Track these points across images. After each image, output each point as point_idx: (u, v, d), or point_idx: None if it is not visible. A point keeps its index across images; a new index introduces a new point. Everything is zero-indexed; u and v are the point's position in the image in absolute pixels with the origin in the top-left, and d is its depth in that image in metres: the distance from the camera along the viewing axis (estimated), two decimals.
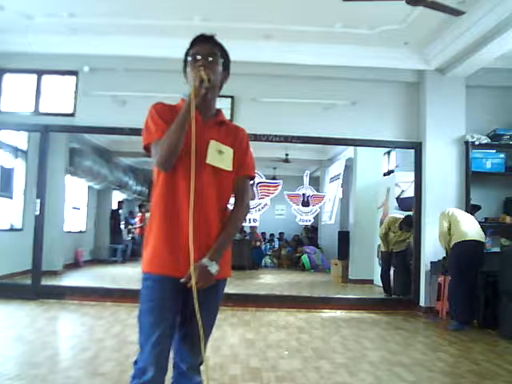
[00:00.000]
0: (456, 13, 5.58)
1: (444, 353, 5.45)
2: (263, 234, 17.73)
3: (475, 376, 4.55)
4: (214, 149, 2.35)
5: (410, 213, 9.10)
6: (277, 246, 17.73)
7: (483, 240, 6.86)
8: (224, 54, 2.45)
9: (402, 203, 10.11)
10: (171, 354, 2.36)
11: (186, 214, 2.24)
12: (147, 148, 2.36)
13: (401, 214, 9.55)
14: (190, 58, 2.38)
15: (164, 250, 2.28)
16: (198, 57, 2.35)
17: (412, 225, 8.70)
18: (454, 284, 6.77)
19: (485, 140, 7.84)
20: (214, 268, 2.25)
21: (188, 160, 2.25)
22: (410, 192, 9.50)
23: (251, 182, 2.58)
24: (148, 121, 2.35)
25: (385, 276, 9.58)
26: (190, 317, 2.32)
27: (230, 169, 2.39)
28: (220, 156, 2.36)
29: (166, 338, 2.27)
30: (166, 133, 2.25)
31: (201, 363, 2.41)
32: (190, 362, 2.37)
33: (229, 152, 2.40)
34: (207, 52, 2.36)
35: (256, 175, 2.89)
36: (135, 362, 2.29)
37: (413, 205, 8.37)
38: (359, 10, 6.21)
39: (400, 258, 9.25)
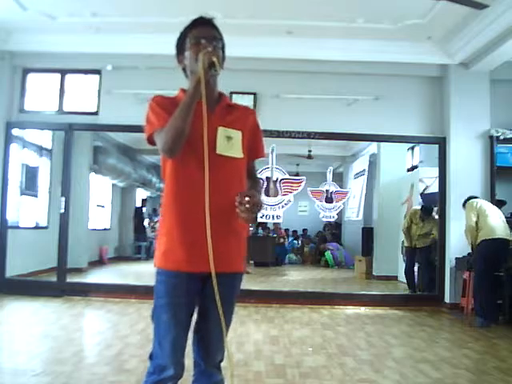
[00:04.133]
0: (479, 6, 5.51)
1: (469, 349, 5.39)
2: (286, 230, 17.66)
3: (501, 373, 4.50)
4: (222, 136, 2.25)
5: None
6: (298, 242, 17.66)
7: (510, 238, 6.78)
8: (222, 38, 2.36)
9: (426, 199, 10.03)
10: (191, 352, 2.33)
11: (204, 207, 2.13)
12: (150, 140, 2.27)
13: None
14: (192, 41, 2.27)
15: (178, 245, 2.20)
16: (203, 40, 2.24)
17: (431, 212, 8.71)
18: (479, 281, 6.70)
19: (510, 134, 7.74)
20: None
21: (200, 149, 2.15)
22: (434, 187, 9.43)
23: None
24: (149, 114, 2.26)
25: (409, 272, 9.51)
26: (206, 315, 2.29)
27: (241, 155, 2.31)
28: (229, 143, 2.26)
29: (183, 334, 2.23)
30: (171, 118, 2.14)
31: (221, 360, 2.35)
32: (208, 359, 2.31)
33: (237, 136, 2.30)
34: (211, 35, 2.28)
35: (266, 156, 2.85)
36: (150, 357, 2.25)
37: (437, 200, 8.31)
38: (381, 5, 6.18)
39: (424, 254, 9.17)
